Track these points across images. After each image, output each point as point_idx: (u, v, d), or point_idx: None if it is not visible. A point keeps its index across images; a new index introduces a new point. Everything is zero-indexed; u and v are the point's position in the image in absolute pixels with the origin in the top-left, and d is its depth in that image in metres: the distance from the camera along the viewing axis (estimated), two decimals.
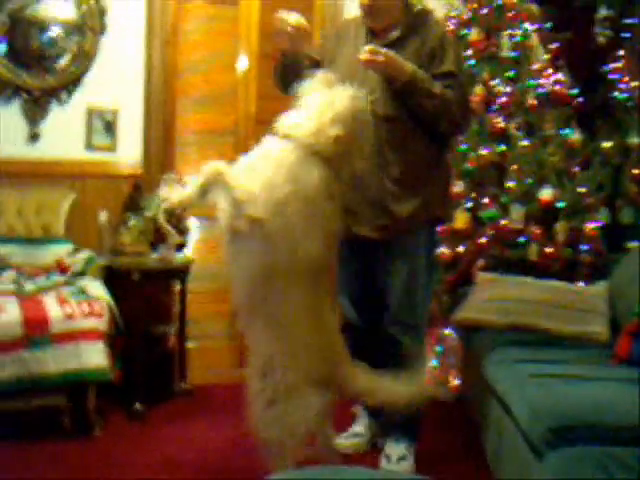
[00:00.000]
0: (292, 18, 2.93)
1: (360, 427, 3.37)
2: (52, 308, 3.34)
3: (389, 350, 3.10)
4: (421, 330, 3.18)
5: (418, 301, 3.11)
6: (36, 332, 3.27)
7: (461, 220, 3.97)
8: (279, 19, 2.94)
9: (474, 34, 4.21)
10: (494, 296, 3.54)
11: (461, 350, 3.89)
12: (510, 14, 4.15)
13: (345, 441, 3.28)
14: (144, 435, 3.50)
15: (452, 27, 4.21)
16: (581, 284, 3.76)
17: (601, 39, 4.40)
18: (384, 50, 2.84)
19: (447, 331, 3.99)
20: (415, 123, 2.98)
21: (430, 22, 3.11)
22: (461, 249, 3.98)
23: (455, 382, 3.98)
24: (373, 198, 2.99)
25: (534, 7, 4.25)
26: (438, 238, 3.55)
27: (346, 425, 3.37)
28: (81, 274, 3.69)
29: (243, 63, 4.55)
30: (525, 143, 3.98)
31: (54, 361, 3.30)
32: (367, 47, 2.85)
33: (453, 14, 4.36)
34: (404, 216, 3.00)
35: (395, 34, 3.04)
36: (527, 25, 4.16)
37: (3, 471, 3.04)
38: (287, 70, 3.07)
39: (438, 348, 4.04)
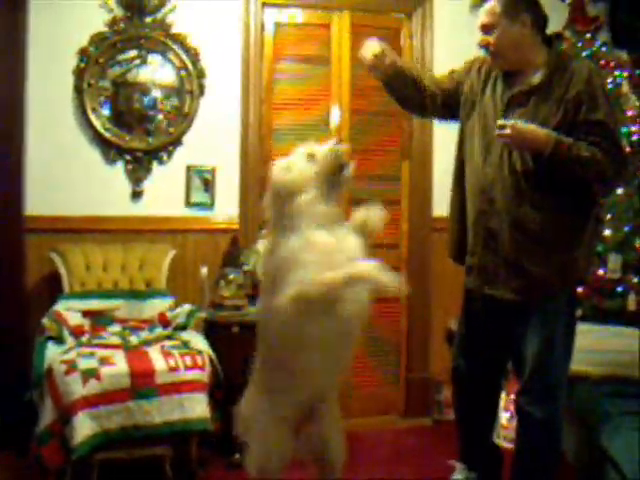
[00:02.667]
0: (369, 49, 2.95)
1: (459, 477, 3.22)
2: (157, 360, 3.45)
3: (520, 424, 2.92)
4: (556, 402, 2.85)
5: (553, 372, 2.83)
6: (142, 383, 3.38)
7: None
8: (362, 57, 2.98)
9: None
10: (592, 346, 3.52)
11: None
12: (601, 62, 4.17)
13: None
14: None
15: None
16: None
17: None
18: (510, 123, 2.64)
19: None
20: (559, 179, 2.74)
21: (575, 63, 2.78)
22: None
23: None
24: (507, 256, 2.80)
25: (623, 54, 4.25)
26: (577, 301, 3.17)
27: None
28: (183, 327, 3.82)
29: (335, 119, 4.67)
30: (620, 191, 3.96)
31: (159, 412, 3.40)
32: (498, 122, 2.68)
33: None
34: (542, 278, 2.77)
35: (536, 79, 2.77)
36: (618, 72, 4.17)
37: None
38: (393, 88, 3.06)
39: None
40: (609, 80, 4.11)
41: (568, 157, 2.64)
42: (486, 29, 2.80)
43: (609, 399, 3.16)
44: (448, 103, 3.04)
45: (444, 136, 4.40)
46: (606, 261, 3.87)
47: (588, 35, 4.31)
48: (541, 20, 2.83)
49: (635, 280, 3.83)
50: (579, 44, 4.29)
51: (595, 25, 4.35)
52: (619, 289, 3.86)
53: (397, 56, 3.06)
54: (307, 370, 2.62)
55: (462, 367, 3.06)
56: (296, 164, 2.67)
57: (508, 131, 2.63)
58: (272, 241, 2.69)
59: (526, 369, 2.83)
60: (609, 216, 3.93)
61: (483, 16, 2.80)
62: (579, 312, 3.80)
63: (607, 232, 3.90)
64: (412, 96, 3.06)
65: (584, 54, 4.20)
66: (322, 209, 2.60)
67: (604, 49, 4.27)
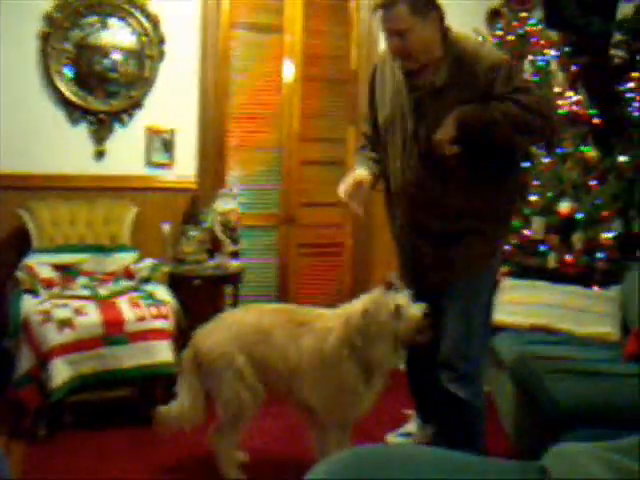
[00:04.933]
0: (347, 188, 2.95)
1: (412, 427, 3.42)
2: (126, 311, 3.74)
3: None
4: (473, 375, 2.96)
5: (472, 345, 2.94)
6: (113, 332, 3.66)
7: None
8: (344, 200, 2.97)
9: None
10: (517, 299, 3.91)
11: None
12: (533, 41, 4.51)
13: (397, 438, 3.42)
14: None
15: None
16: (596, 289, 4.00)
17: (616, 61, 4.65)
18: (438, 137, 2.73)
19: None
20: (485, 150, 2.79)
21: (474, 50, 2.78)
22: None
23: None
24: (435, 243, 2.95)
25: (554, 34, 4.57)
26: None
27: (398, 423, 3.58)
28: (147, 280, 4.11)
29: (288, 84, 4.95)
30: (546, 160, 4.28)
31: (128, 357, 3.69)
32: (434, 138, 2.74)
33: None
34: (467, 265, 2.91)
35: (439, 80, 2.78)
36: (548, 51, 4.49)
37: (84, 453, 3.48)
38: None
39: None
40: (540, 58, 4.44)
41: (480, 118, 2.71)
42: (400, 34, 2.71)
43: (532, 345, 3.53)
44: None
45: None
46: (531, 223, 4.22)
47: (523, 14, 4.62)
48: (443, 13, 2.80)
49: (556, 240, 4.14)
50: (514, 22, 4.61)
51: (530, 4, 4.66)
52: (541, 248, 4.17)
53: (370, 171, 3.05)
54: None
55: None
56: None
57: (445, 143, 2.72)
58: None
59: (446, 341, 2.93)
60: (535, 182, 4.28)
61: (394, 22, 2.71)
62: (505, 269, 4.22)
63: (533, 197, 4.23)
64: None
65: (518, 33, 4.54)
66: None
67: (538, 27, 4.57)
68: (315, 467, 1.84)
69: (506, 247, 4.21)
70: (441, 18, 2.78)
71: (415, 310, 2.82)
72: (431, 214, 2.90)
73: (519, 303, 3.89)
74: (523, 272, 4.17)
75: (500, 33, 4.63)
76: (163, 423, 3.19)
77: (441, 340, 2.92)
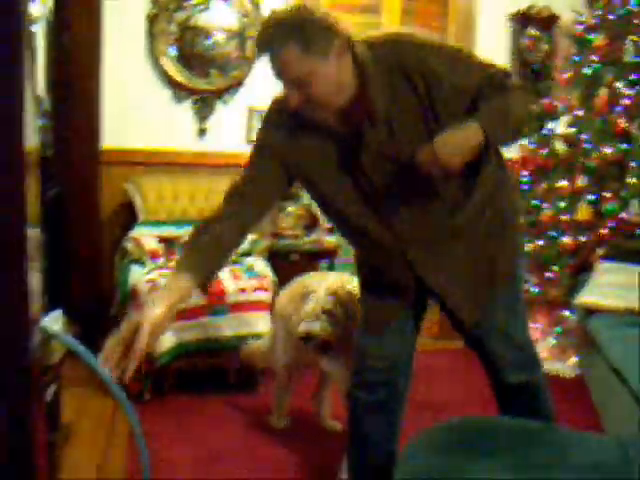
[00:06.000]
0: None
1: None
2: (228, 282, 3.91)
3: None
4: None
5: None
6: (215, 302, 3.84)
7: (583, 212, 4.31)
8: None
9: (600, 39, 4.52)
10: (612, 282, 3.89)
11: (579, 330, 4.26)
12: (636, 21, 4.43)
13: None
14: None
15: (577, 32, 4.58)
16: None
17: None
18: (426, 150, 1.98)
19: (567, 313, 4.37)
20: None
21: (395, 51, 2.08)
22: (583, 239, 4.30)
23: (573, 359, 4.38)
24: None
25: None
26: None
27: None
28: (247, 254, 4.27)
29: None
30: None
31: (229, 327, 3.88)
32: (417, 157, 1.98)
33: (579, 19, 4.70)
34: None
35: (378, 114, 2.07)
36: None
37: (186, 416, 3.70)
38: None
39: (557, 329, 4.45)
40: None
41: (504, 123, 2.08)
42: (299, 83, 1.99)
43: (627, 328, 3.51)
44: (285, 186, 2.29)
45: None
46: (628, 206, 4.19)
47: None
48: (347, 36, 2.03)
49: None
50: (615, 1, 4.54)
51: None
52: (639, 231, 4.12)
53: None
54: None
55: None
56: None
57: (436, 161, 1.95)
58: None
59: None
60: (633, 164, 4.24)
61: (286, 70, 1.99)
62: (601, 250, 4.20)
63: (631, 180, 4.18)
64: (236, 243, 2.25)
65: (619, 12, 4.46)
66: None
67: None
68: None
69: (603, 230, 4.21)
70: (346, 43, 2.02)
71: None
72: (452, 236, 2.28)
73: (614, 285, 3.87)
74: (619, 255, 4.13)
75: (600, 13, 4.56)
76: (247, 357, 3.72)
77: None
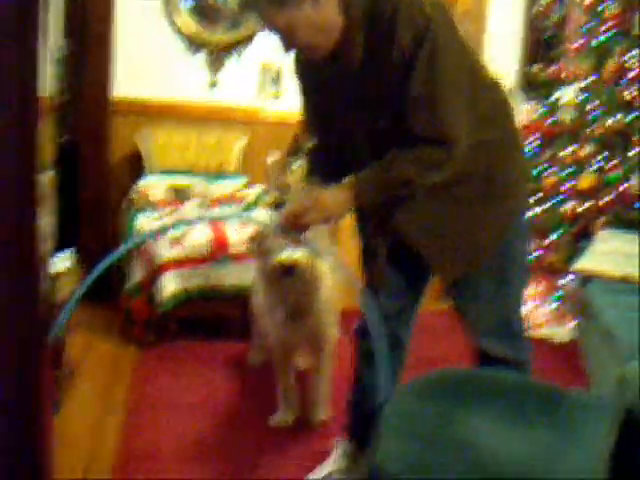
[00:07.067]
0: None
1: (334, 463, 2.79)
2: (231, 233, 3.98)
3: None
4: None
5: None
6: (218, 252, 3.92)
7: (586, 181, 4.35)
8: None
9: (613, 8, 4.50)
10: (611, 250, 3.95)
11: (577, 296, 4.31)
12: None
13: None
14: None
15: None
16: None
17: None
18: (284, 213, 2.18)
19: (567, 279, 4.43)
20: None
21: (393, 7, 1.98)
22: (584, 206, 4.35)
23: (571, 324, 4.45)
24: None
25: None
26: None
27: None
28: (253, 206, 4.34)
29: None
30: None
31: (230, 276, 3.95)
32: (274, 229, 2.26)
33: None
34: None
35: (355, 57, 2.10)
36: None
37: (187, 360, 3.78)
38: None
39: (557, 295, 4.52)
40: None
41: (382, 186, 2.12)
42: (281, 32, 2.06)
43: (622, 295, 3.57)
44: None
45: None
46: (629, 178, 4.22)
47: None
48: None
49: None
50: None
51: None
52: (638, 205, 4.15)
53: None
54: None
55: None
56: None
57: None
58: None
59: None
60: (636, 138, 4.25)
61: (266, 22, 2.06)
62: (602, 219, 4.24)
63: (634, 151, 4.19)
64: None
65: None
66: None
67: None
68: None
69: (605, 199, 4.25)
70: None
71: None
72: None
73: (611, 253, 3.93)
74: (621, 224, 4.17)
75: None
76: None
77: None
